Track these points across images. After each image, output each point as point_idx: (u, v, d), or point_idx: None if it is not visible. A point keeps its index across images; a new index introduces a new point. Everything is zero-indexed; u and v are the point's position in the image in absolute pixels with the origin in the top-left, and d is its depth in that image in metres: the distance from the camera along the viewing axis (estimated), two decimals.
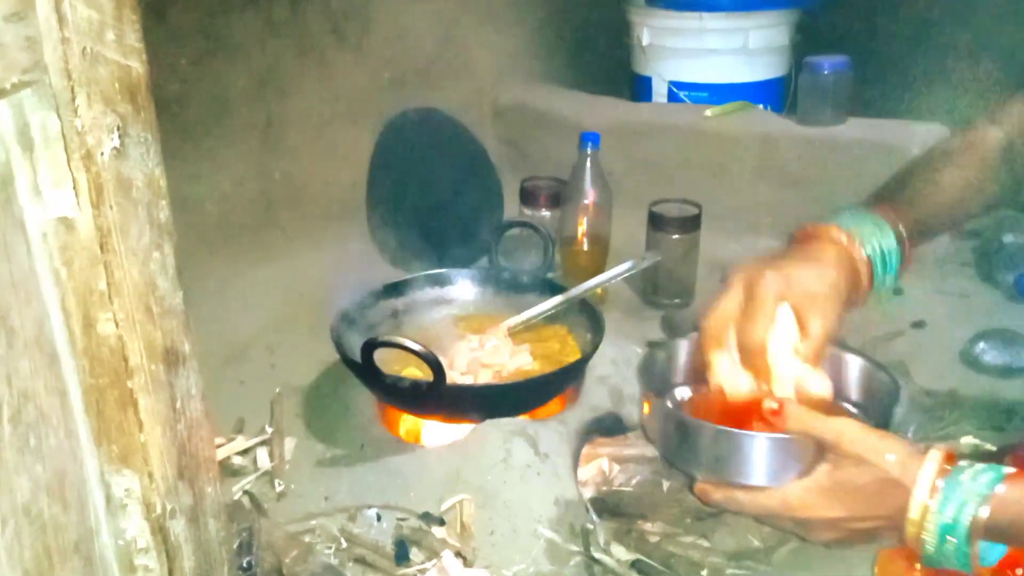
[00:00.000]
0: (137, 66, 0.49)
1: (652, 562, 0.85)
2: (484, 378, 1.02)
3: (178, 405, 0.55)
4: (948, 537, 0.68)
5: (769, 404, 0.77)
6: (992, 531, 0.68)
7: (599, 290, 1.21)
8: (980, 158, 0.91)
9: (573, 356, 1.07)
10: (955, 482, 0.69)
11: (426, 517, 0.89)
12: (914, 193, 0.91)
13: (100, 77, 0.46)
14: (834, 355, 0.91)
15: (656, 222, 1.33)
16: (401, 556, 0.85)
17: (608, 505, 0.92)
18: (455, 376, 1.01)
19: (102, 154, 0.46)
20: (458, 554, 0.85)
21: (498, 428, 0.94)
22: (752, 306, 0.82)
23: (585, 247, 1.38)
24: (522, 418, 0.98)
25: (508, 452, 0.92)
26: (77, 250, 0.47)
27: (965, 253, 1.46)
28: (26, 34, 0.42)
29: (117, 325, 0.49)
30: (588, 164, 1.34)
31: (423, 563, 0.85)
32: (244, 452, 1.01)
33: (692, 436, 0.82)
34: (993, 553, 0.70)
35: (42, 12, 0.43)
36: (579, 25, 2.04)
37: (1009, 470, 0.69)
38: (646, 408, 0.90)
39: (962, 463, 0.71)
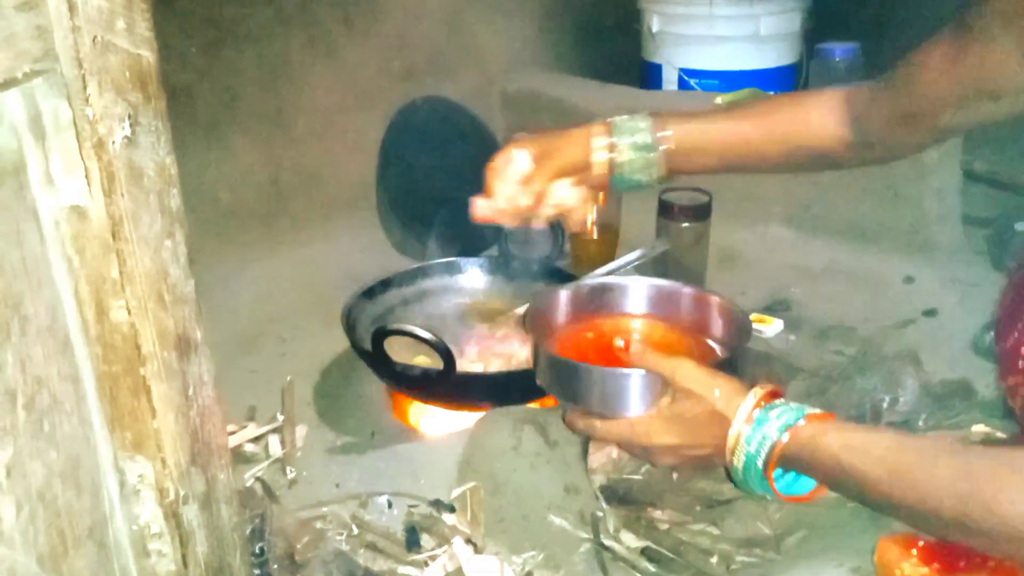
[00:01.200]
0: (147, 55, 0.49)
1: (662, 549, 0.85)
2: (494, 366, 1.03)
3: (190, 392, 0.55)
4: (754, 463, 0.78)
5: (616, 342, 0.91)
6: (787, 460, 0.77)
7: None
8: (800, 123, 0.96)
9: None
10: (764, 416, 0.78)
11: (437, 504, 0.89)
12: (707, 124, 0.98)
13: (111, 66, 0.46)
14: (699, 296, 1.03)
15: (666, 210, 1.33)
16: (412, 543, 0.86)
17: (617, 493, 0.93)
18: (465, 364, 1.01)
19: (113, 143, 0.47)
20: (468, 541, 0.85)
21: (508, 416, 0.94)
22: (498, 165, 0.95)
23: (595, 235, 1.38)
24: (532, 406, 0.98)
25: (518, 440, 0.92)
26: (89, 238, 0.47)
27: (977, 241, 1.45)
28: (37, 23, 0.42)
29: (130, 313, 0.49)
30: None
31: (434, 550, 0.85)
32: (256, 439, 1.02)
33: (564, 373, 0.91)
34: (802, 485, 0.80)
35: (53, 1, 0.43)
36: (589, 12, 2.03)
37: (813, 411, 0.77)
38: (533, 353, 0.95)
39: (777, 401, 0.79)
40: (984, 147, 1.52)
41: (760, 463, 0.77)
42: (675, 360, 0.85)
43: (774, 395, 0.81)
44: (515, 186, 0.94)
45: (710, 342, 1.01)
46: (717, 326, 1.01)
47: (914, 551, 0.74)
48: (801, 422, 0.76)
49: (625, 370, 0.87)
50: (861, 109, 0.92)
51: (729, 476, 0.84)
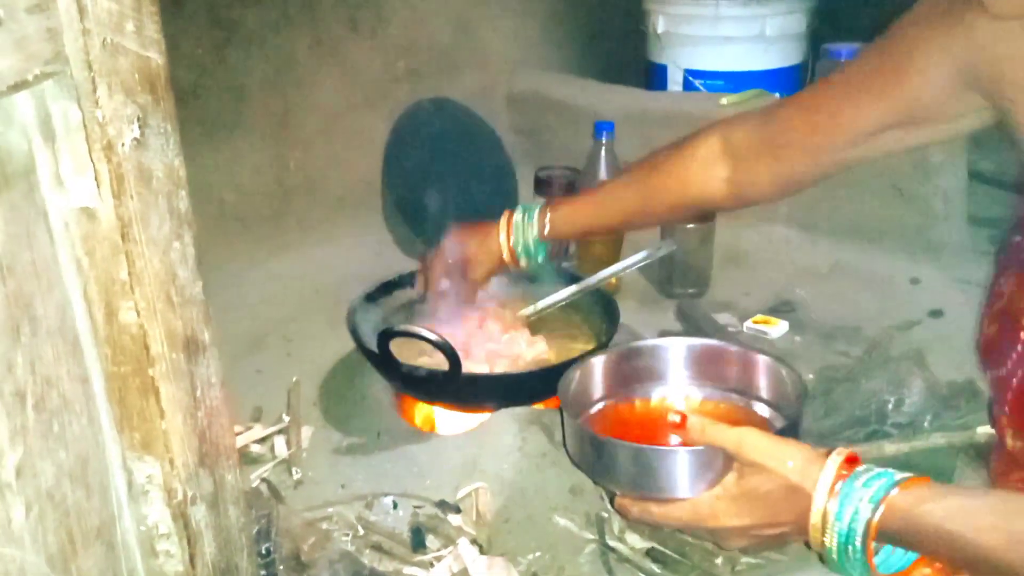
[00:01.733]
0: (156, 57, 0.49)
1: (666, 550, 0.85)
2: (500, 367, 1.03)
3: (198, 393, 0.55)
4: (851, 544, 0.69)
5: (672, 417, 0.80)
6: (884, 536, 0.68)
7: (614, 280, 1.21)
8: (682, 177, 0.99)
9: (588, 346, 1.07)
10: (850, 488, 0.70)
11: (442, 505, 0.90)
12: (590, 205, 1.06)
13: (120, 68, 0.47)
14: (743, 355, 0.95)
15: None
16: (417, 543, 0.86)
17: None
18: (471, 365, 1.01)
19: (123, 144, 0.47)
20: (474, 541, 0.85)
21: (513, 417, 0.95)
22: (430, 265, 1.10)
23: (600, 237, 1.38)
24: (537, 407, 0.98)
25: (523, 441, 0.92)
26: (99, 239, 0.47)
27: (982, 242, 1.45)
28: (48, 26, 0.43)
29: (138, 314, 0.49)
30: (603, 153, 1.34)
31: (439, 550, 0.85)
32: (262, 440, 1.02)
33: (605, 454, 0.82)
34: (899, 560, 0.71)
35: (63, 4, 0.43)
36: (594, 13, 2.03)
37: (903, 475, 0.69)
38: (566, 429, 0.89)
39: (859, 468, 0.71)
40: (990, 147, 1.52)
41: (858, 543, 0.68)
42: (738, 431, 0.76)
43: (851, 460, 0.72)
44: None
45: (758, 405, 0.93)
46: (764, 387, 0.93)
47: None
48: (894, 491, 0.68)
49: (681, 448, 0.79)
50: (734, 150, 0.95)
51: (819, 556, 0.74)
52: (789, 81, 1.81)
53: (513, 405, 0.97)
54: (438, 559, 0.84)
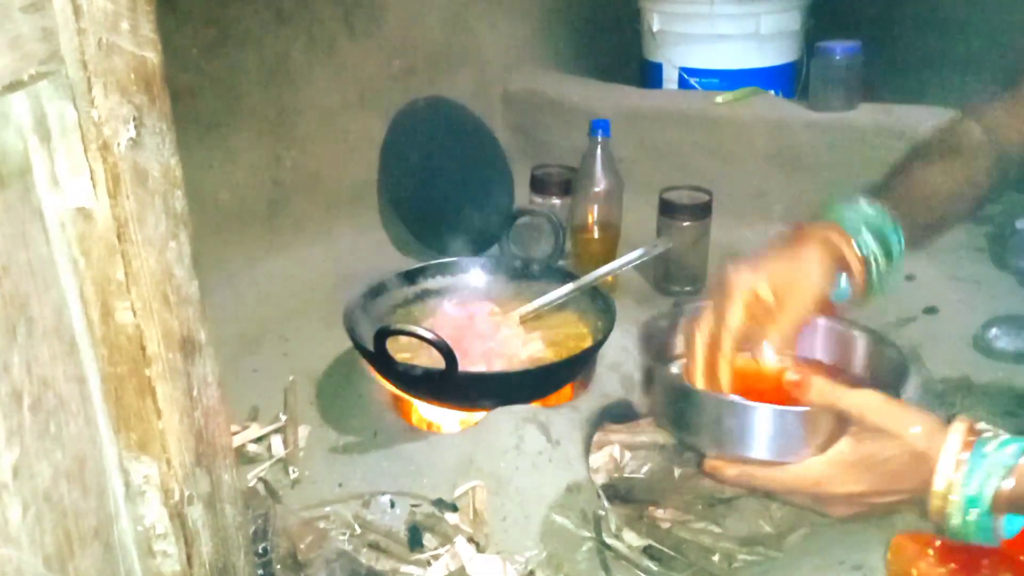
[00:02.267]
0: (152, 56, 0.49)
1: (664, 548, 0.86)
2: (496, 366, 1.03)
3: (195, 393, 0.55)
4: (971, 509, 0.67)
5: (791, 376, 0.75)
6: (1015, 503, 0.67)
7: (610, 278, 1.21)
8: (964, 159, 0.91)
9: (584, 344, 1.07)
10: (980, 454, 0.68)
11: (439, 503, 0.90)
12: (906, 195, 0.90)
13: (116, 67, 0.46)
14: (841, 332, 0.90)
15: (667, 209, 1.33)
16: (414, 542, 0.86)
17: (619, 491, 0.93)
18: (468, 364, 1.01)
19: (118, 144, 0.47)
20: (471, 540, 0.86)
21: (510, 415, 0.95)
22: (720, 304, 0.82)
23: (596, 235, 1.38)
24: (534, 405, 0.98)
25: (520, 439, 0.92)
26: (95, 239, 0.47)
27: (978, 239, 1.45)
28: (43, 25, 0.43)
29: (135, 314, 0.49)
30: (598, 151, 1.34)
31: (436, 549, 0.85)
32: (258, 440, 1.02)
33: (699, 408, 0.79)
34: (1014, 524, 0.69)
35: (58, 3, 0.43)
36: (589, 11, 2.04)
37: None
38: (647, 377, 0.85)
39: (985, 434, 0.69)
40: None
41: (984, 508, 0.67)
42: (861, 394, 0.73)
43: (972, 428, 0.70)
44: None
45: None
46: (861, 363, 0.89)
47: (931, 550, 0.73)
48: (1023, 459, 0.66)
49: (796, 408, 0.74)
50: (994, 124, 0.88)
51: (935, 521, 0.71)
52: (784, 79, 1.82)
53: (510, 404, 0.97)
54: (435, 557, 0.84)
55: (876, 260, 0.84)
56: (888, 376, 0.85)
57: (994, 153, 0.90)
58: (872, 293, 0.85)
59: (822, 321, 0.91)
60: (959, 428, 0.69)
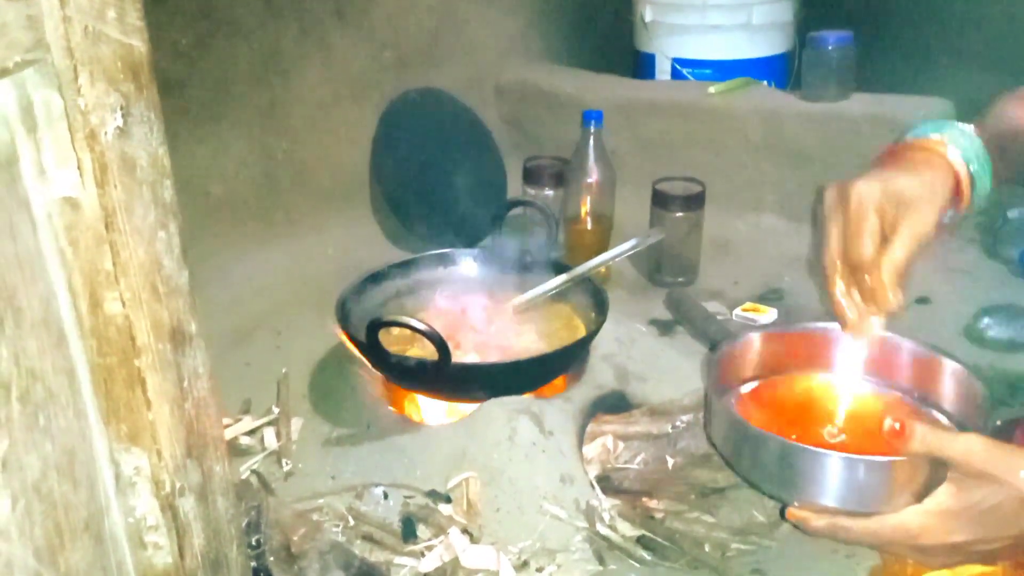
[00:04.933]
0: (139, 45, 0.49)
1: (657, 538, 0.86)
2: (489, 357, 1.03)
3: (185, 384, 0.55)
4: None
5: (891, 424, 0.70)
6: None
7: (603, 269, 1.21)
8: None
9: (578, 335, 1.07)
10: None
11: (432, 495, 0.90)
12: (995, 123, 0.85)
13: (102, 56, 0.46)
14: (928, 359, 0.86)
15: (660, 200, 1.33)
16: (408, 533, 0.86)
17: (613, 482, 0.93)
18: (461, 355, 1.01)
19: (106, 133, 0.46)
20: (464, 531, 0.85)
21: (503, 406, 0.95)
22: (851, 225, 0.76)
23: (589, 226, 1.38)
24: (527, 396, 0.98)
25: (513, 430, 0.92)
26: (82, 229, 0.47)
27: (969, 229, 1.45)
28: (28, 13, 0.42)
29: (124, 304, 0.49)
30: (591, 143, 1.34)
31: (430, 540, 0.85)
32: (251, 432, 1.02)
33: (789, 460, 0.74)
34: None
35: None
36: (582, 2, 2.03)
37: None
38: (712, 414, 0.83)
39: None
40: None
41: None
42: (965, 439, 0.69)
43: None
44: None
45: (937, 414, 0.85)
46: (945, 395, 0.85)
47: None
48: None
49: (888, 458, 0.70)
50: None
51: None
52: (777, 69, 1.82)
53: (503, 395, 0.97)
54: (429, 549, 0.84)
55: (974, 163, 0.80)
56: (970, 411, 0.82)
57: None
58: (970, 212, 0.82)
59: (906, 343, 0.87)
60: None
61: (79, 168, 0.46)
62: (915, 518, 0.70)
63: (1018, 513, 0.66)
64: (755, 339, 0.90)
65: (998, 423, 0.95)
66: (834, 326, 0.87)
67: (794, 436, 0.78)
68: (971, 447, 0.68)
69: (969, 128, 0.82)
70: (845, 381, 0.89)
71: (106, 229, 0.47)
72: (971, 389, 0.82)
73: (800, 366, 0.90)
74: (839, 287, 0.80)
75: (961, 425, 0.83)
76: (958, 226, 0.83)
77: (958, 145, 0.80)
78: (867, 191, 0.76)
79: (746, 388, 0.90)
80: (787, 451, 0.74)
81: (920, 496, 0.70)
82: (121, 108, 0.47)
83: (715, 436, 0.83)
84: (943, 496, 0.69)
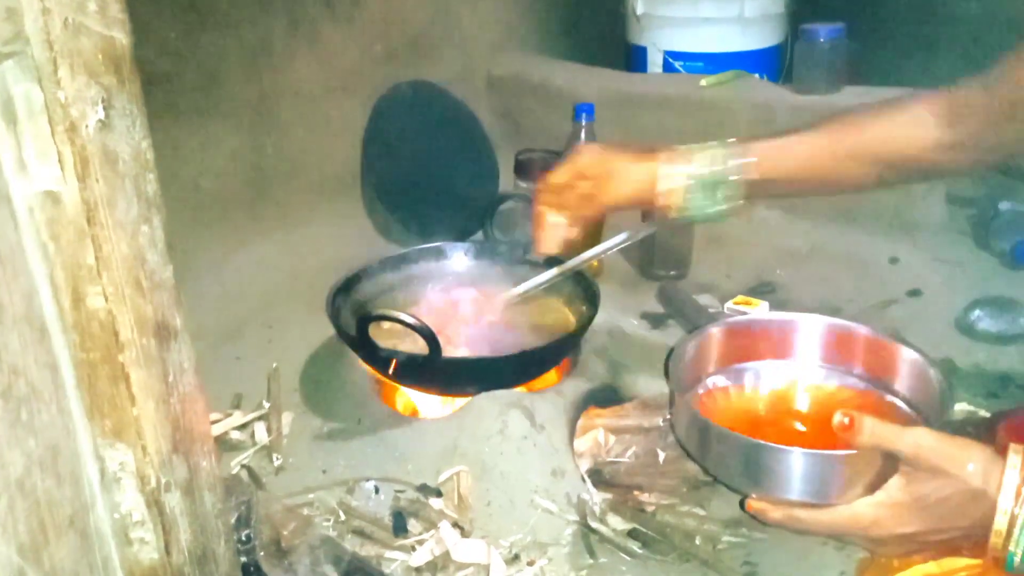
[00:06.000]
0: (121, 37, 0.48)
1: (648, 531, 0.86)
2: (480, 351, 1.02)
3: (170, 379, 0.54)
4: None
5: (840, 419, 0.72)
6: None
7: (595, 262, 1.21)
8: (891, 133, 0.88)
9: (569, 328, 1.07)
10: None
11: (423, 489, 0.90)
12: (789, 147, 0.90)
13: (83, 48, 0.45)
14: (885, 346, 0.89)
15: None
16: (399, 527, 0.86)
17: (604, 476, 0.93)
18: (451, 349, 1.01)
19: (87, 127, 0.46)
20: (455, 525, 0.85)
21: (494, 400, 0.94)
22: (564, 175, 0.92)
23: None
24: (518, 390, 0.98)
25: (504, 424, 0.92)
26: (64, 224, 0.47)
27: (961, 221, 1.45)
28: (7, 5, 0.42)
29: (107, 299, 0.49)
30: (583, 135, 1.33)
31: (421, 534, 0.85)
32: (242, 427, 1.02)
33: (742, 454, 0.77)
34: None
35: None
36: None
37: None
38: (676, 411, 0.85)
39: None
40: None
41: None
42: (913, 434, 0.70)
43: None
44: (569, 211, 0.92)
45: (896, 401, 0.88)
46: (903, 383, 0.88)
47: None
48: None
49: (840, 452, 0.72)
50: (957, 109, 0.84)
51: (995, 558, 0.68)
52: (768, 62, 1.81)
53: (494, 389, 0.96)
54: (420, 543, 0.84)
55: (695, 177, 0.87)
56: (928, 399, 0.83)
57: (954, 134, 0.85)
58: (684, 208, 0.88)
59: (864, 331, 0.90)
60: (1015, 462, 0.67)
61: (60, 162, 0.45)
62: (867, 510, 0.72)
63: (967, 505, 0.68)
64: (716, 333, 0.93)
65: (987, 415, 0.96)
66: (793, 315, 0.94)
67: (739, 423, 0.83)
68: (920, 441, 0.69)
69: (722, 150, 0.87)
70: (805, 370, 0.93)
71: (88, 223, 0.47)
72: (930, 379, 0.84)
73: (761, 356, 0.94)
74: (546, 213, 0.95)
75: (918, 412, 0.85)
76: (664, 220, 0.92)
77: (692, 163, 0.88)
78: (583, 153, 0.92)
79: (710, 382, 0.92)
80: (746, 447, 0.76)
81: (873, 488, 0.72)
82: (103, 101, 0.47)
83: (680, 433, 0.85)
84: (894, 488, 0.71)
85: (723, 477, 0.82)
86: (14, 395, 0.45)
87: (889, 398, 0.88)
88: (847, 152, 0.88)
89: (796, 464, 0.74)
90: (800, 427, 0.88)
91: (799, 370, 0.93)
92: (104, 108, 0.47)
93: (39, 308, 0.47)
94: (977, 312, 1.17)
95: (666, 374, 0.87)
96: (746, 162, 0.87)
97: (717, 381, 0.93)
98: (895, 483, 0.71)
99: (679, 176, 0.87)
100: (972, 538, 0.69)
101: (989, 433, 0.89)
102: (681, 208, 0.88)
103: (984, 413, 0.98)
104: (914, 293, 1.27)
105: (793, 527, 0.76)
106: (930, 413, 0.83)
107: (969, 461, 0.68)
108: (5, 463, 0.44)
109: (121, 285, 0.49)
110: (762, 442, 0.75)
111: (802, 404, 0.91)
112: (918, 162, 0.87)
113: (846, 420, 0.72)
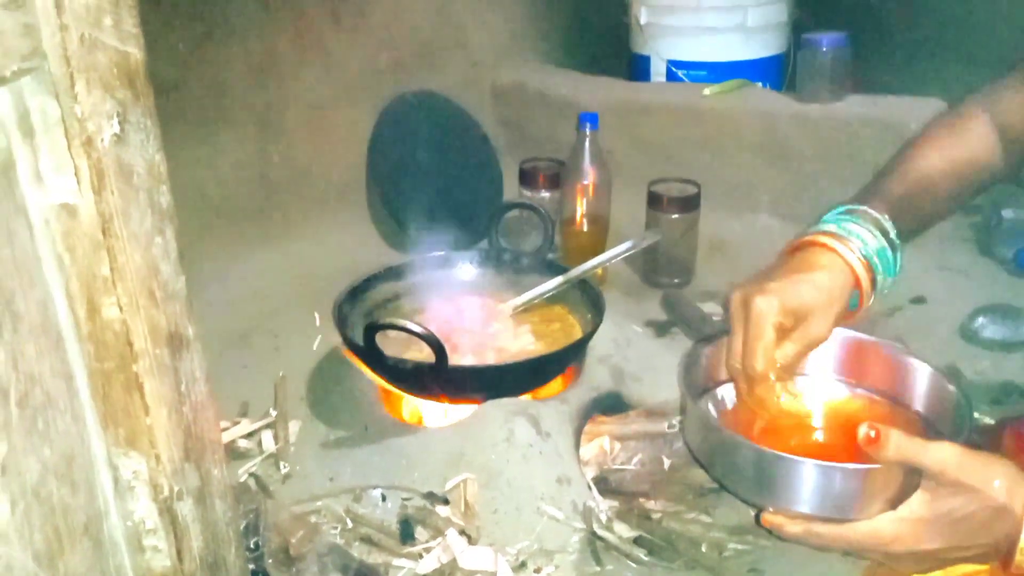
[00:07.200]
0: (135, 52, 0.49)
1: (654, 538, 0.86)
2: (486, 359, 1.03)
3: (183, 388, 0.55)
4: None
5: (866, 431, 0.70)
6: None
7: (599, 270, 1.22)
8: (968, 143, 0.89)
9: (574, 336, 1.07)
10: None
11: (430, 496, 0.90)
12: (902, 185, 0.89)
13: (99, 63, 0.46)
14: (901, 362, 0.88)
15: (655, 202, 1.33)
16: (406, 535, 0.86)
17: (610, 483, 0.93)
18: (457, 358, 1.01)
19: (102, 140, 0.47)
20: (462, 532, 0.86)
21: (500, 408, 0.95)
22: (749, 341, 0.80)
23: (585, 227, 1.38)
24: (524, 398, 0.99)
25: (510, 432, 0.92)
26: (79, 236, 0.47)
27: (965, 228, 1.46)
28: (25, 21, 0.42)
29: (121, 310, 0.49)
30: (587, 144, 1.34)
31: (428, 542, 0.86)
32: (249, 435, 1.02)
33: (764, 467, 0.75)
34: None
35: None
36: (577, 5, 2.03)
37: None
38: (687, 417, 0.84)
39: None
40: None
41: None
42: (940, 448, 0.69)
43: None
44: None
45: (910, 414, 0.86)
46: (918, 398, 0.86)
47: None
48: None
49: (863, 466, 0.71)
50: (1006, 106, 0.86)
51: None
52: (771, 71, 1.82)
53: (500, 397, 0.97)
54: (427, 550, 0.85)
55: (875, 261, 0.83)
56: (946, 415, 0.82)
57: (1001, 137, 0.88)
58: (875, 298, 0.85)
59: (884, 347, 0.90)
60: None
61: (76, 175, 0.46)
62: (888, 525, 0.70)
63: (991, 522, 0.67)
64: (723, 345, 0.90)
65: (991, 422, 0.96)
66: None
67: (753, 434, 0.81)
68: (946, 456, 0.68)
69: (869, 220, 0.84)
70: (818, 381, 0.92)
71: (103, 235, 0.47)
72: (948, 396, 0.82)
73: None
74: (743, 390, 0.84)
75: (933, 427, 0.83)
76: (868, 311, 0.86)
77: (858, 239, 0.83)
78: (765, 307, 0.79)
79: (722, 390, 0.91)
80: (761, 458, 0.74)
81: (894, 503, 0.71)
82: (118, 115, 0.48)
83: (691, 440, 0.84)
84: (916, 504, 0.70)
85: (733, 487, 0.81)
86: (30, 404, 0.45)
87: (904, 411, 0.87)
88: (945, 173, 0.87)
89: (815, 477, 0.72)
90: (816, 438, 0.87)
91: (812, 381, 0.92)
92: (119, 122, 0.48)
93: (55, 318, 0.48)
94: (981, 319, 1.17)
95: (680, 380, 0.85)
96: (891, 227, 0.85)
97: (729, 390, 0.91)
98: (918, 499, 0.70)
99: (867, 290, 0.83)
100: (995, 555, 0.68)
101: (994, 440, 0.90)
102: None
103: (988, 420, 0.98)
104: (918, 300, 1.28)
105: (811, 542, 0.75)
106: (946, 428, 0.81)
107: (995, 477, 0.67)
108: (21, 471, 0.45)
109: (135, 296, 0.50)
110: (782, 454, 0.73)
111: (816, 415, 0.90)
112: (991, 172, 0.88)
113: (872, 433, 0.70)
